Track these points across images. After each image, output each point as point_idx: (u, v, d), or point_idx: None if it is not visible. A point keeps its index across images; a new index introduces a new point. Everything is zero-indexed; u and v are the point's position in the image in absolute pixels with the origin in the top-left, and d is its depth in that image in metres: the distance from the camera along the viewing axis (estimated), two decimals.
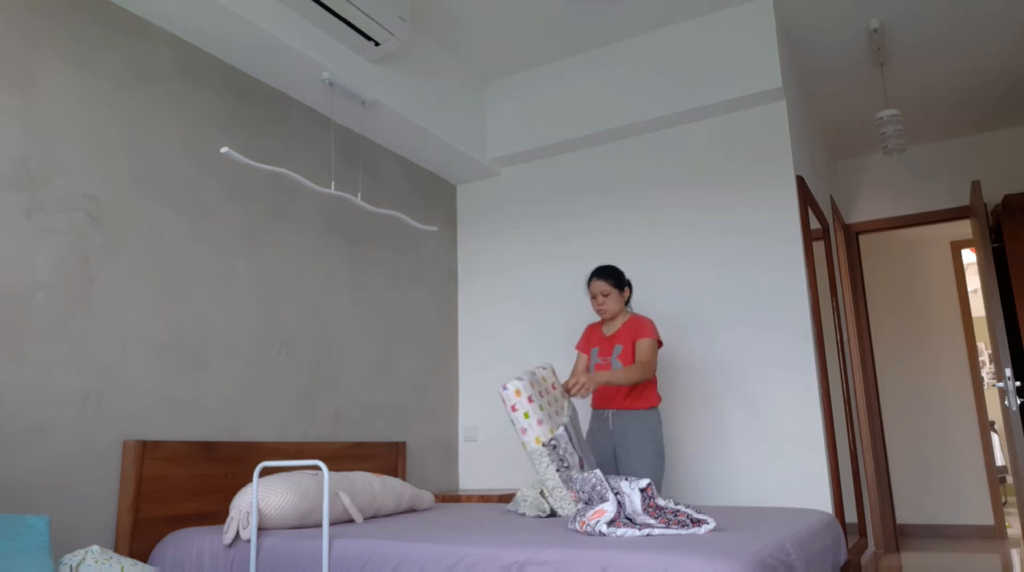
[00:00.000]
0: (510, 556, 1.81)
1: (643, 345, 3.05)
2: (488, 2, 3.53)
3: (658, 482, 3.02)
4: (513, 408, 2.64)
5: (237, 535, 2.20)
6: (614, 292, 3.12)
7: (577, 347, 3.29)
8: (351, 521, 2.52)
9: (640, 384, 3.05)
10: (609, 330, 3.19)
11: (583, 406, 3.71)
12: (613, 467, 3.11)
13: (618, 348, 3.11)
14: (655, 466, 3.02)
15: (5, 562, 1.67)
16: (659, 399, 3.14)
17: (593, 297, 3.15)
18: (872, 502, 4.79)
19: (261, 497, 2.26)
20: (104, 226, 2.48)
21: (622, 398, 3.09)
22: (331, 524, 2.43)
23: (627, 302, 3.21)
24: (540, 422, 2.65)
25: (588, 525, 2.01)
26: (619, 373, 2.93)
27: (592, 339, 3.24)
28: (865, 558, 4.10)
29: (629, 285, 3.22)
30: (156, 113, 2.71)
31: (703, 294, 3.62)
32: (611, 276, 3.13)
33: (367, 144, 3.77)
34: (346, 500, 2.50)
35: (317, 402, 3.24)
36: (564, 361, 3.91)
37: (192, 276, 2.76)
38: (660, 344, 3.10)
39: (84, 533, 2.29)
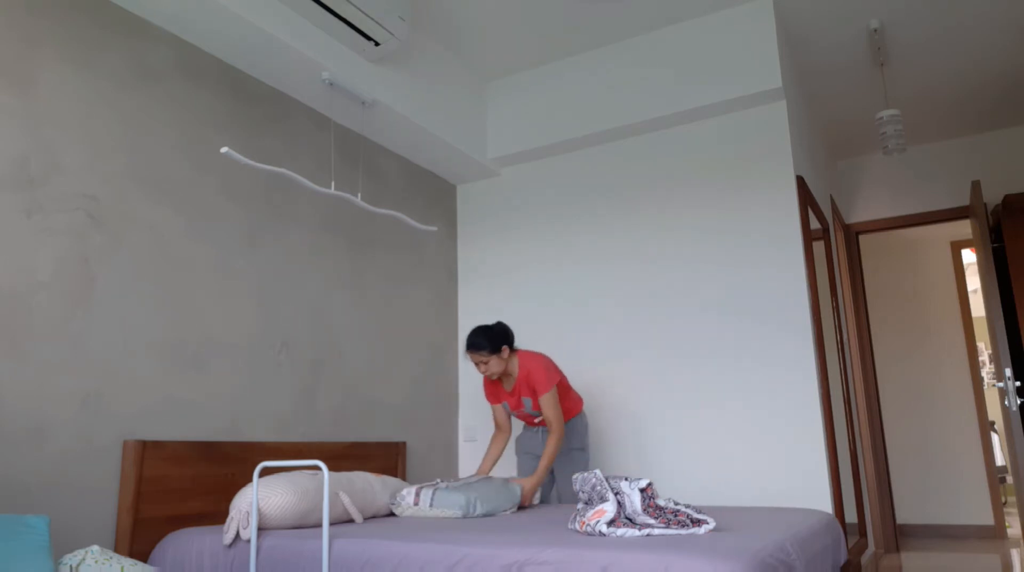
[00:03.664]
0: (510, 556, 1.81)
1: (544, 403, 3.10)
2: (488, 2, 3.52)
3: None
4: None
5: (237, 535, 2.20)
6: (492, 357, 3.10)
7: (488, 399, 3.37)
8: (351, 521, 2.52)
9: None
10: (508, 385, 3.25)
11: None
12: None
13: (527, 401, 3.20)
14: (579, 461, 3.23)
15: (5, 562, 1.67)
16: (580, 403, 3.33)
17: (476, 364, 3.14)
18: (872, 502, 4.79)
19: (261, 497, 2.27)
20: (104, 226, 2.48)
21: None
22: (331, 524, 2.43)
23: (511, 350, 3.18)
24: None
25: (588, 525, 2.01)
26: (548, 453, 3.04)
27: (498, 393, 3.31)
28: (865, 558, 4.10)
29: (505, 338, 3.12)
30: (156, 113, 2.71)
31: (703, 293, 3.62)
32: (483, 345, 3.08)
33: (367, 144, 3.76)
34: (346, 500, 2.50)
35: (317, 402, 3.24)
36: (562, 362, 3.91)
37: (192, 276, 2.76)
38: (556, 380, 3.14)
39: (84, 533, 2.29)
